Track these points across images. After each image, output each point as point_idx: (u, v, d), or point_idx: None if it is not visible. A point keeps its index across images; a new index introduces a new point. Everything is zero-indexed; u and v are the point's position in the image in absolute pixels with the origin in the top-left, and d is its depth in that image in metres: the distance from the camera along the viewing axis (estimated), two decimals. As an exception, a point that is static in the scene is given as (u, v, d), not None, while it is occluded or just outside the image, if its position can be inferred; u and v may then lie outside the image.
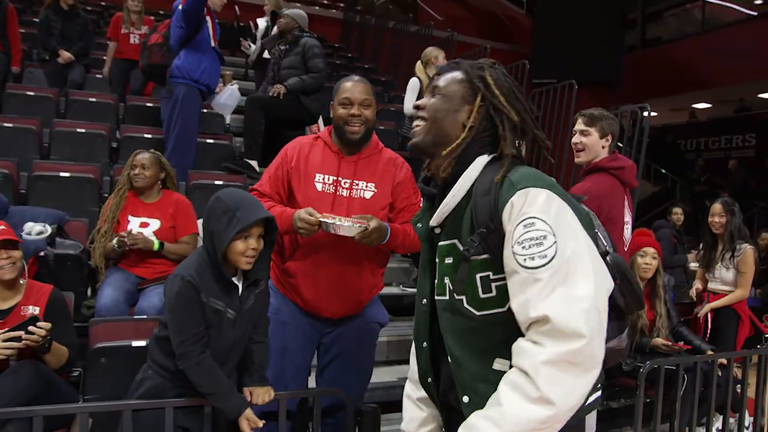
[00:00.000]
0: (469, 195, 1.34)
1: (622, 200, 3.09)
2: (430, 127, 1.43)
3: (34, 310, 2.54)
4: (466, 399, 1.34)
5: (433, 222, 1.42)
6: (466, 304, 1.32)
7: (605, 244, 1.45)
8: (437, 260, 1.41)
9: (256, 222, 2.01)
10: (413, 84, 5.47)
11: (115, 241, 3.20)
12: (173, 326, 2.04)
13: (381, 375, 3.79)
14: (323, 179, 2.39)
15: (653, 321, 3.64)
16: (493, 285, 1.29)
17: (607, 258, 1.39)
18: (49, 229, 3.33)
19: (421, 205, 2.57)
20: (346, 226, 2.18)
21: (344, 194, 2.38)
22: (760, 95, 11.45)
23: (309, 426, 2.62)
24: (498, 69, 1.43)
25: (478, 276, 1.30)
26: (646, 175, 12.47)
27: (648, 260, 3.63)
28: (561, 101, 6.15)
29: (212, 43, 4.82)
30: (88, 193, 4.11)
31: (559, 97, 6.18)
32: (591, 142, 3.09)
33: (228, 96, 5.10)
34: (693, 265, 6.22)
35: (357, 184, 2.40)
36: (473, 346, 1.33)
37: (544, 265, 1.19)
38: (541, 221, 1.21)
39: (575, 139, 3.13)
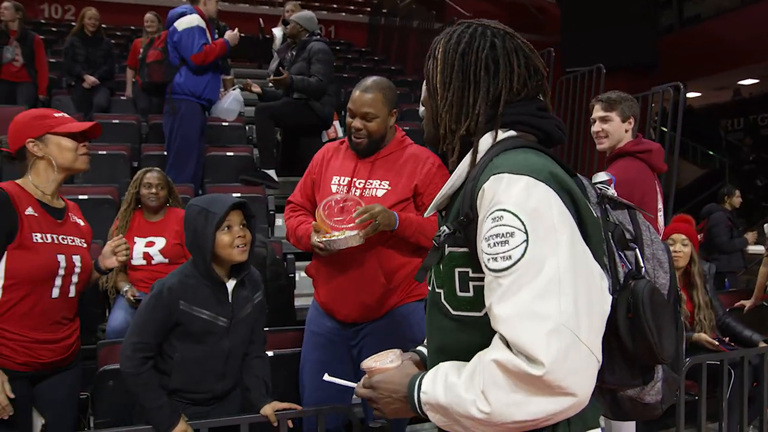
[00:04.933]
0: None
1: (653, 186, 2.90)
2: (427, 119, 1.29)
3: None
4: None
5: (429, 209, 1.28)
6: (443, 299, 1.18)
7: (639, 264, 1.20)
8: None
9: (231, 209, 2.02)
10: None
11: (128, 292, 3.20)
12: (133, 324, 2.04)
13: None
14: (338, 181, 2.40)
15: (693, 312, 3.37)
16: (471, 284, 1.13)
17: (633, 282, 1.14)
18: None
19: None
20: (342, 239, 2.20)
21: (356, 194, 2.36)
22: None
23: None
24: (465, 31, 1.21)
25: (457, 271, 1.15)
26: (693, 158, 11.97)
27: (677, 248, 3.35)
28: (590, 88, 5.87)
29: None
30: (106, 214, 4.11)
31: (587, 84, 5.90)
32: (613, 127, 2.91)
33: (231, 101, 5.00)
34: (752, 248, 5.85)
35: (371, 183, 2.37)
36: (444, 347, 1.19)
37: (506, 269, 1.00)
38: (511, 215, 1.02)
39: (595, 127, 2.95)
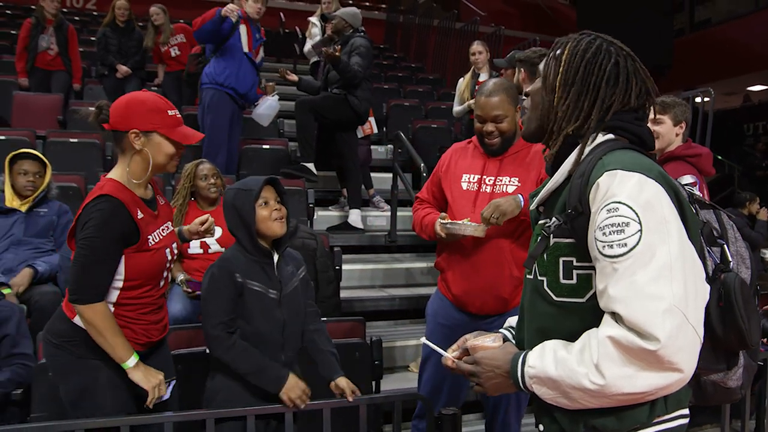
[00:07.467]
0: (571, 176, 1.28)
1: (701, 189, 2.98)
2: (531, 114, 1.39)
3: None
4: None
5: (534, 204, 1.39)
6: (546, 287, 1.29)
7: (727, 258, 1.30)
8: (534, 239, 1.38)
9: (265, 185, 2.17)
10: (458, 85, 5.69)
11: (182, 282, 3.30)
12: (204, 311, 2.13)
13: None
14: (468, 178, 2.52)
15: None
16: (575, 272, 1.24)
17: (722, 274, 1.26)
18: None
19: None
20: (471, 226, 2.31)
21: (487, 190, 2.46)
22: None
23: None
24: (592, 42, 1.32)
25: (561, 260, 1.26)
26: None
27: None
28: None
29: (245, 49, 4.87)
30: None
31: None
32: (665, 130, 3.00)
33: (266, 107, 5.12)
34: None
35: (501, 180, 2.46)
36: (544, 329, 1.29)
37: (622, 255, 1.11)
38: (626, 207, 1.12)
39: None
